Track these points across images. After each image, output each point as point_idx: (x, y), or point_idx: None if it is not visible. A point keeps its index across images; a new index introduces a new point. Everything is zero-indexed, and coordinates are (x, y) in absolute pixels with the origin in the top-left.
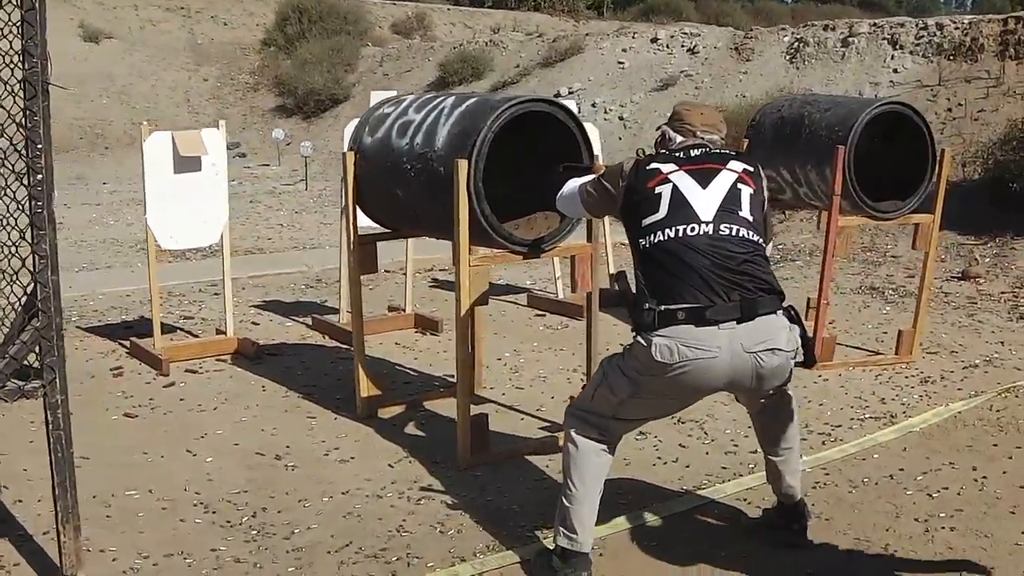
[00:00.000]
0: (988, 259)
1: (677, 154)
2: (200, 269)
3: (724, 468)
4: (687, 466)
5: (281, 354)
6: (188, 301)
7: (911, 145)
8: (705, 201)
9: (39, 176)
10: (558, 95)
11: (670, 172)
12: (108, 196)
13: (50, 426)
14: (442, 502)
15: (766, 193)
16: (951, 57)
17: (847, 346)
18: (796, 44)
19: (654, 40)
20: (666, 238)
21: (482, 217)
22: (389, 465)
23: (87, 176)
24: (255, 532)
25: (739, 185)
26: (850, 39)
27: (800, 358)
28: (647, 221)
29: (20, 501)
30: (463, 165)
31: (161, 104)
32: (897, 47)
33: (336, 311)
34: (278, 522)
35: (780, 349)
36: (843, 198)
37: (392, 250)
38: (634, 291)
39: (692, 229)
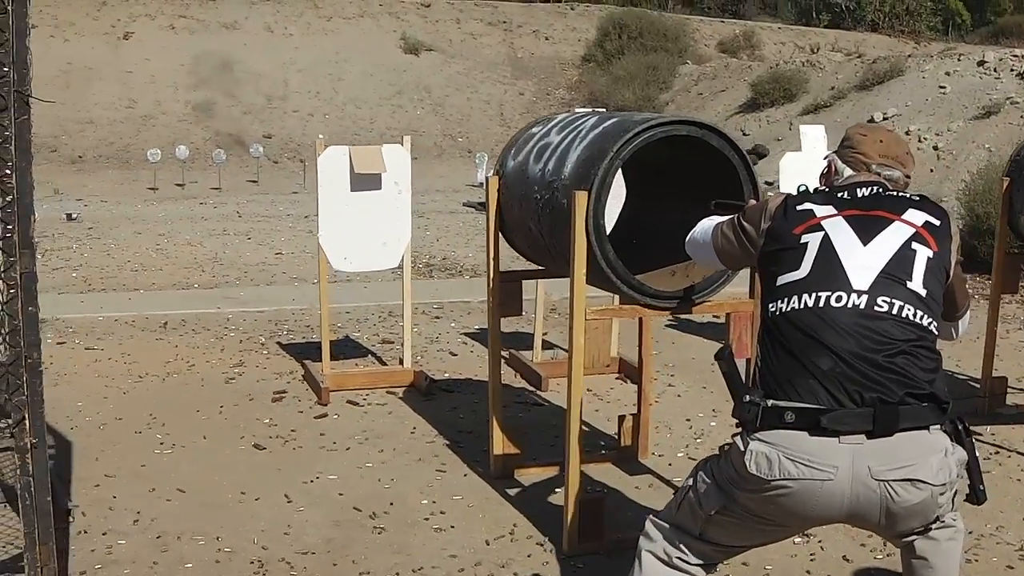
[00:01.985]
0: None
1: (840, 194)
2: (433, 288)
3: None
4: None
5: (456, 391)
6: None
7: None
8: (863, 262)
9: (8, 198)
10: (871, 120)
11: (825, 217)
12: None
13: (19, 471)
14: None
15: (954, 256)
16: None
17: None
18: None
19: (981, 63)
20: (801, 306)
21: (603, 260)
22: (486, 542)
23: None
24: None
25: (915, 244)
26: None
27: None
28: (783, 280)
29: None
30: (581, 197)
31: (474, 116)
32: None
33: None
34: None
35: (923, 481)
36: None
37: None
38: (745, 375)
39: (839, 299)
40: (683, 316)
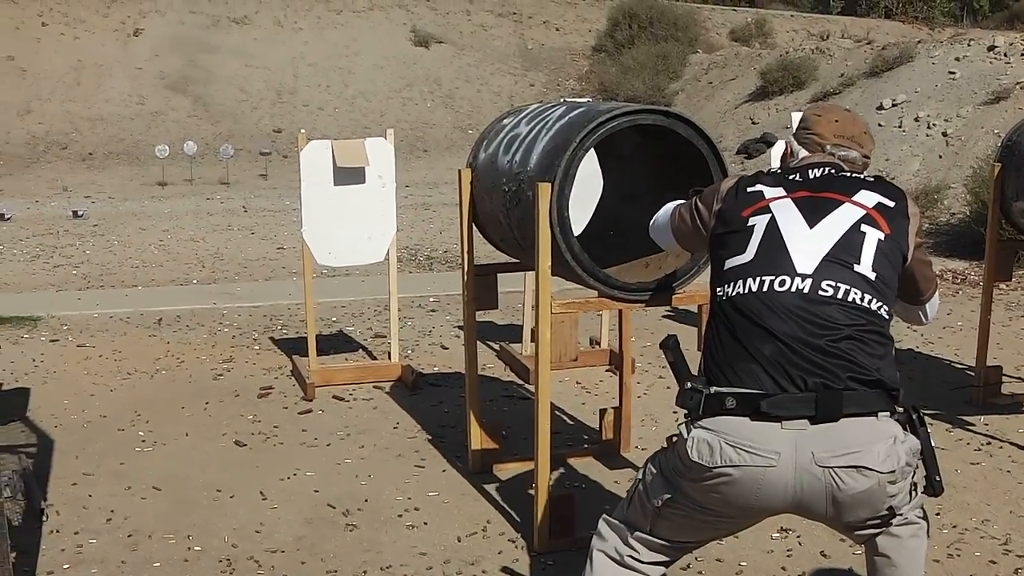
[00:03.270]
0: None
1: (792, 175)
2: (431, 281)
3: None
4: None
5: (443, 385)
6: (402, 317)
7: None
8: (809, 246)
9: None
10: (881, 107)
11: (773, 199)
12: (403, 200)
13: None
14: None
15: (912, 238)
16: None
17: None
18: None
19: (991, 48)
20: (746, 291)
21: (567, 253)
22: (458, 538)
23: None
24: None
25: (864, 227)
26: None
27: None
28: (729, 264)
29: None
30: (545, 189)
31: (484, 108)
32: None
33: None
34: None
35: (869, 468)
36: None
37: None
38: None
39: (782, 283)
40: (681, 307)
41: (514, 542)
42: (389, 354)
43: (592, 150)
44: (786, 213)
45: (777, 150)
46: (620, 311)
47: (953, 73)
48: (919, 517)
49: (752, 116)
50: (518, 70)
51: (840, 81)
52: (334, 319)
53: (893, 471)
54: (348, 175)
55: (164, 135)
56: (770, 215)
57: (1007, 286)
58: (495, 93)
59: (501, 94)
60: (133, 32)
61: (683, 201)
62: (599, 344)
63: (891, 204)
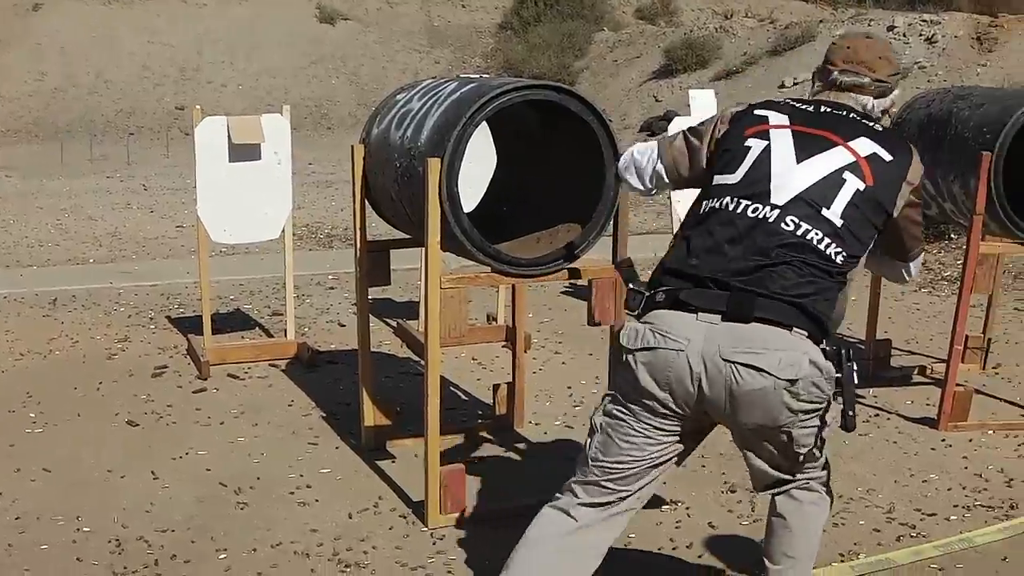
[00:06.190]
0: None
1: (804, 106)
2: (331, 258)
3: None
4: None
5: (339, 362)
6: (300, 295)
7: None
8: (789, 180)
9: None
10: (782, 85)
11: (776, 126)
12: (305, 177)
13: None
14: (372, 571)
15: (903, 196)
16: None
17: (1000, 400)
18: None
19: (891, 28)
20: (722, 208)
21: (457, 227)
22: (349, 515)
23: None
24: None
25: (846, 174)
26: None
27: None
28: (717, 180)
29: None
30: (435, 164)
31: (390, 86)
32: None
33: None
34: None
35: (766, 371)
36: (989, 217)
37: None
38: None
39: (754, 210)
40: (579, 283)
41: (405, 518)
42: (285, 331)
43: (487, 127)
44: (781, 142)
45: (674, 126)
46: (513, 287)
47: None
48: (822, 486)
49: (656, 94)
50: (424, 47)
51: (743, 59)
52: (232, 297)
53: (792, 380)
54: (244, 152)
55: (65, 112)
56: (767, 142)
57: None
58: (400, 71)
59: (407, 71)
60: (32, 7)
61: (654, 140)
62: (496, 320)
63: (888, 158)
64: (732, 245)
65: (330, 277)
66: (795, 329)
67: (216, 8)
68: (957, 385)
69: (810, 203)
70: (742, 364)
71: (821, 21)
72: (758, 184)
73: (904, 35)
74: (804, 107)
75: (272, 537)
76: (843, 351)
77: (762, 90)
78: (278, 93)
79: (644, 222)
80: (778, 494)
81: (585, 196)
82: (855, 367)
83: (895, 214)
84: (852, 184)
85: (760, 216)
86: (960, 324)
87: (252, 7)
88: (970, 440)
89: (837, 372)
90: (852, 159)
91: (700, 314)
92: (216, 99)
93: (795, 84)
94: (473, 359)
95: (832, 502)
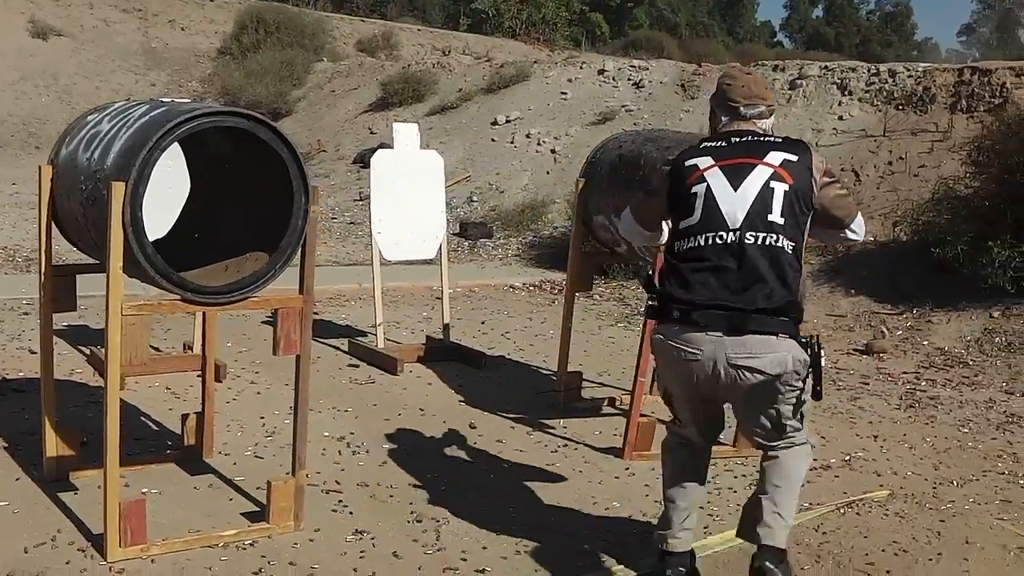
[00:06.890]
0: (900, 331)
1: (718, 143)
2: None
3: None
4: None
5: (28, 391)
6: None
7: None
8: (735, 205)
9: None
10: (495, 123)
11: (706, 168)
12: (8, 198)
13: None
14: None
15: (817, 181)
16: (900, 107)
17: None
18: None
19: (601, 72)
20: (694, 245)
21: (140, 254)
22: (24, 549)
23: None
24: None
25: (773, 183)
26: (798, 81)
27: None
28: (683, 224)
29: None
30: (119, 188)
31: None
32: (846, 93)
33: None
34: None
35: (761, 371)
36: None
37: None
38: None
39: (720, 238)
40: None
41: (84, 551)
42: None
43: (182, 155)
44: (716, 179)
45: (377, 159)
46: (204, 315)
47: (565, 94)
48: (804, 442)
49: (371, 126)
50: (140, 68)
51: (459, 95)
52: None
53: (780, 374)
54: None
55: None
56: (706, 183)
57: (600, 296)
58: (114, 91)
59: (120, 92)
60: None
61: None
62: (192, 349)
63: (794, 159)
64: (716, 274)
65: (24, 302)
66: (780, 335)
67: None
68: (641, 416)
69: (758, 215)
70: (744, 367)
71: (536, 62)
72: (714, 218)
73: (614, 79)
74: (718, 144)
75: None
76: (814, 342)
77: (475, 126)
78: None
79: (351, 253)
80: (771, 448)
81: (274, 225)
82: (823, 353)
83: (816, 195)
84: (780, 188)
85: (727, 241)
86: (645, 356)
87: None
88: (653, 468)
89: (810, 359)
90: (771, 170)
91: (708, 332)
92: None
93: (507, 122)
94: (167, 388)
95: (813, 449)
